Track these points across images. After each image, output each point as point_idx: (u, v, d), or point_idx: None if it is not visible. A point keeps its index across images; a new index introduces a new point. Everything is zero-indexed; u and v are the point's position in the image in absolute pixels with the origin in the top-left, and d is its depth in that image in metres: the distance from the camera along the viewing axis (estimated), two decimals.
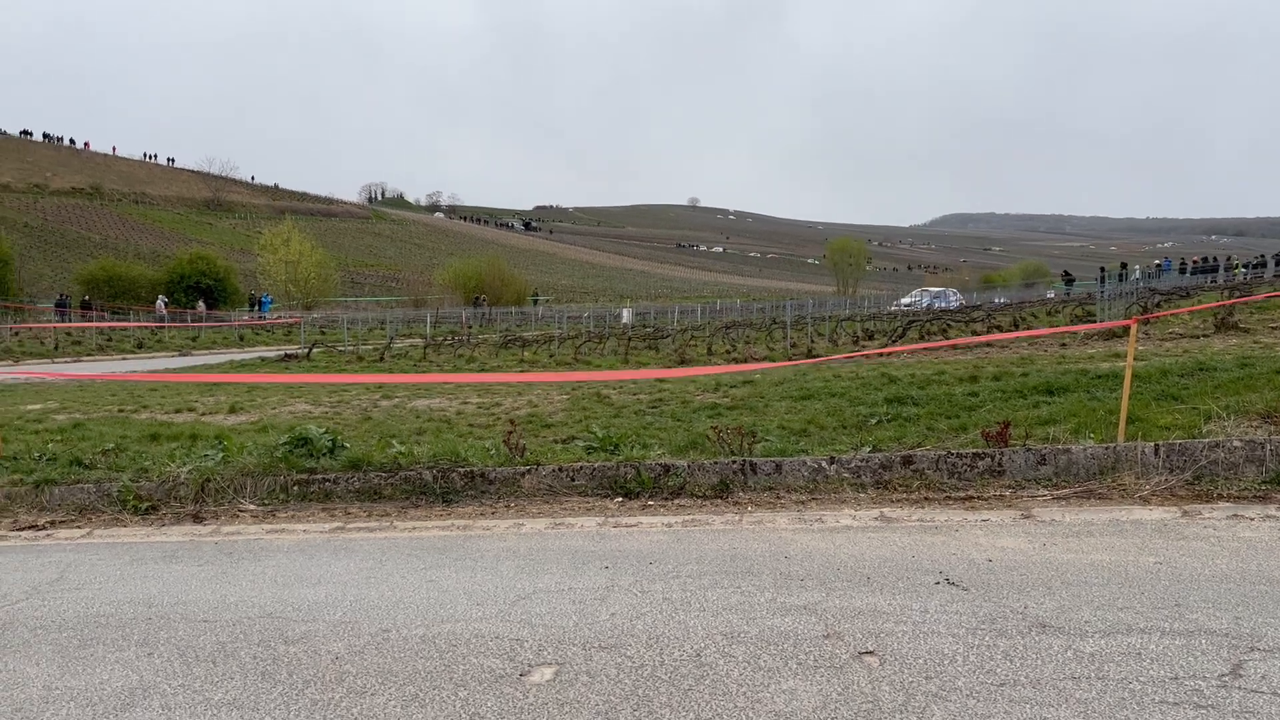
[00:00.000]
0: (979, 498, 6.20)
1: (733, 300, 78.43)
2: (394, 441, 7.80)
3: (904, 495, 6.34)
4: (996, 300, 56.71)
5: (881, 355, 15.01)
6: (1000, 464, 6.49)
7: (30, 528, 6.72)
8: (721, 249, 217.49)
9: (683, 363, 18.78)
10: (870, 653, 3.69)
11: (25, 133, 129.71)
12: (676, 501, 6.52)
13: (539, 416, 10.15)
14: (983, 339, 15.65)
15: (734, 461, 6.73)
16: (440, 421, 10.16)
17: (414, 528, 6.26)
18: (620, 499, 6.63)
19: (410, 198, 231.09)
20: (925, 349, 15.83)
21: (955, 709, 3.19)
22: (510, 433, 7.47)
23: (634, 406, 10.60)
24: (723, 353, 20.65)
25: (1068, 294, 50.81)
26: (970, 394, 9.59)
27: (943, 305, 44.38)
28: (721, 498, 6.52)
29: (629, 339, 24.44)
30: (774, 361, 18.02)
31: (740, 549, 5.27)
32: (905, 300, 49.78)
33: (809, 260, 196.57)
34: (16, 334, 32.22)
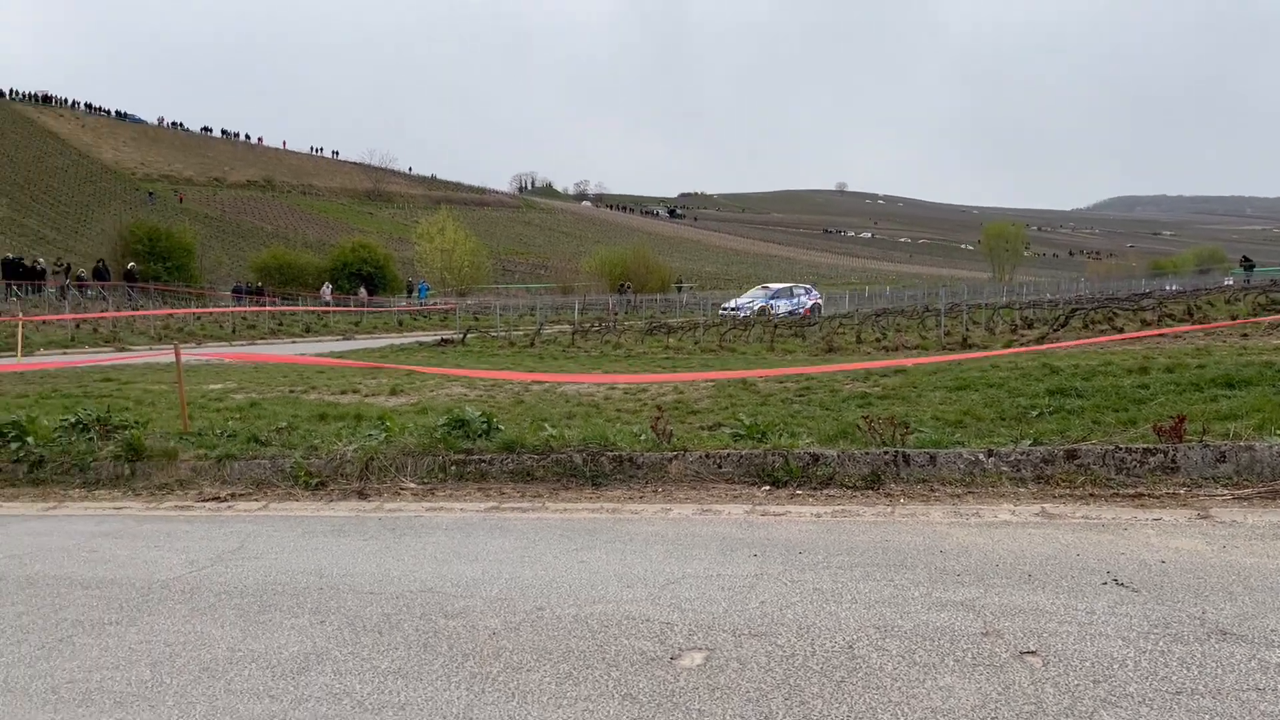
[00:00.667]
0: (1150, 495, 5.87)
1: (881, 287, 76.73)
2: (546, 425, 7.98)
3: (1067, 491, 6.06)
4: (1168, 288, 53.49)
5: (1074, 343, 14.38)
6: (1174, 460, 6.13)
7: (214, 499, 7.21)
8: (870, 234, 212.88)
9: (830, 351, 18.49)
10: (1032, 653, 3.56)
11: (206, 129, 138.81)
12: (825, 491, 6.43)
13: (685, 403, 10.20)
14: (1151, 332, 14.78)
15: (886, 452, 6.59)
16: (589, 406, 10.34)
17: (565, 509, 6.40)
18: (768, 487, 6.59)
19: (559, 187, 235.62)
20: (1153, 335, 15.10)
21: (1126, 715, 3.04)
22: (658, 418, 7.53)
23: (780, 394, 10.52)
24: (872, 341, 20.22)
25: (1248, 280, 47.42)
26: (1140, 386, 9.08)
27: (789, 307, 35.75)
28: (872, 489, 6.39)
29: (774, 326, 24.23)
30: (927, 351, 17.54)
31: (892, 541, 5.16)
32: (738, 301, 38.07)
33: (962, 246, 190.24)
34: (199, 318, 34.54)
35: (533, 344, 23.20)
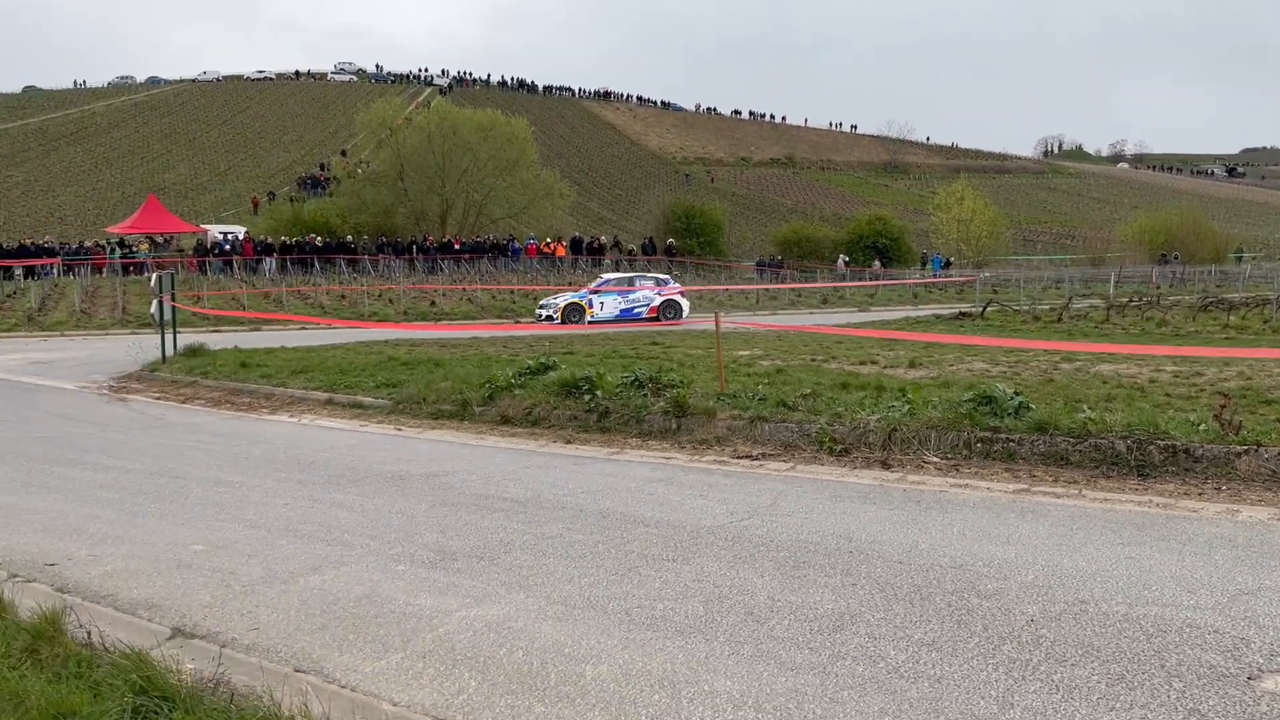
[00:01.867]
0: None
1: None
2: (1082, 406, 7.41)
3: None
4: None
5: None
6: None
7: (746, 457, 7.75)
8: None
9: None
10: None
11: (735, 113, 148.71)
12: None
13: (1254, 390, 8.83)
14: None
15: None
16: (1130, 389, 9.39)
17: (1105, 499, 5.90)
18: None
19: (1090, 149, 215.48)
20: None
21: None
22: (1223, 406, 6.61)
23: None
24: None
25: None
26: None
27: (620, 305, 26.40)
28: None
29: None
30: None
31: None
32: (549, 299, 27.28)
33: None
34: (728, 290, 37.38)
35: (1059, 319, 21.66)
